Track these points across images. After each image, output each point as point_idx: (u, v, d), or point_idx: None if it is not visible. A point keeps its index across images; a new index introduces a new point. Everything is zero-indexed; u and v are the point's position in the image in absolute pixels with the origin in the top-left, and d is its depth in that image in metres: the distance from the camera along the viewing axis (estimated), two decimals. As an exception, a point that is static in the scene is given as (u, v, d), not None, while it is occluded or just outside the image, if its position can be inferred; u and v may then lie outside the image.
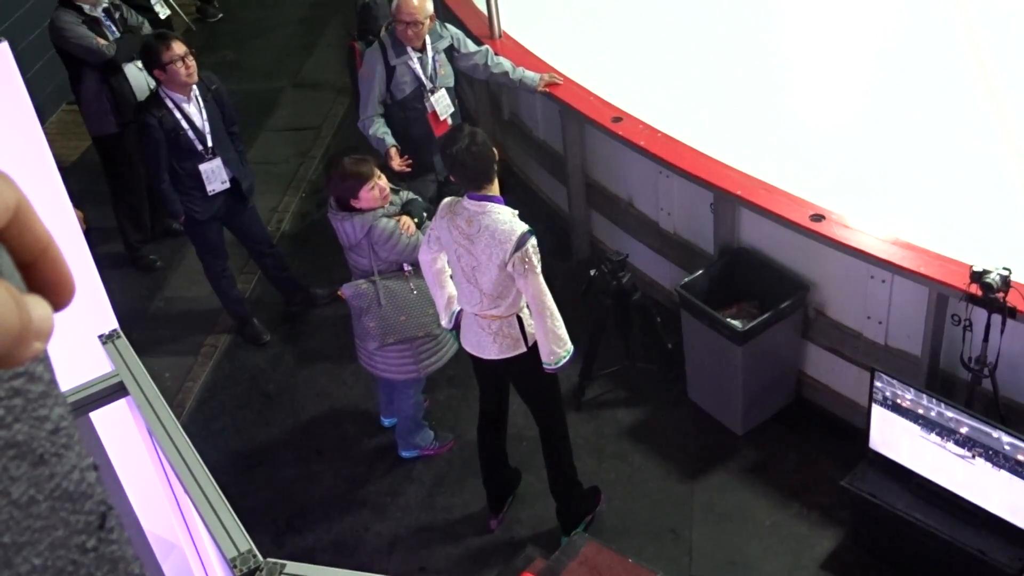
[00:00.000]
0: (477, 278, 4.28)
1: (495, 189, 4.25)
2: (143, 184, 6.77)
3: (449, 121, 5.70)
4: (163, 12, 7.17)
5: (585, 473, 4.99)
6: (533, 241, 4.17)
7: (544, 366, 4.39)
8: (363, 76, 5.63)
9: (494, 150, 4.27)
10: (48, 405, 0.55)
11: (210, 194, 5.64)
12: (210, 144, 5.56)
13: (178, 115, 5.45)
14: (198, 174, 5.58)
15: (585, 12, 7.14)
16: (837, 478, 4.67)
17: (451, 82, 5.75)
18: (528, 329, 4.42)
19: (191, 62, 5.40)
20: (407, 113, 5.63)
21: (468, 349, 4.59)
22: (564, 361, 4.39)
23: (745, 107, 6.09)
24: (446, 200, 4.37)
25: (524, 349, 4.44)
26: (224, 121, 5.69)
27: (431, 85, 5.61)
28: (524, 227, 4.17)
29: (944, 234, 4.70)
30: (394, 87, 5.56)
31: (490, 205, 4.20)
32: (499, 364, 4.53)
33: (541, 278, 4.23)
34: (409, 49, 5.52)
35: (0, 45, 3.16)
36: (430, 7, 5.47)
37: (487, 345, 4.47)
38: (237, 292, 6.30)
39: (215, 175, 5.61)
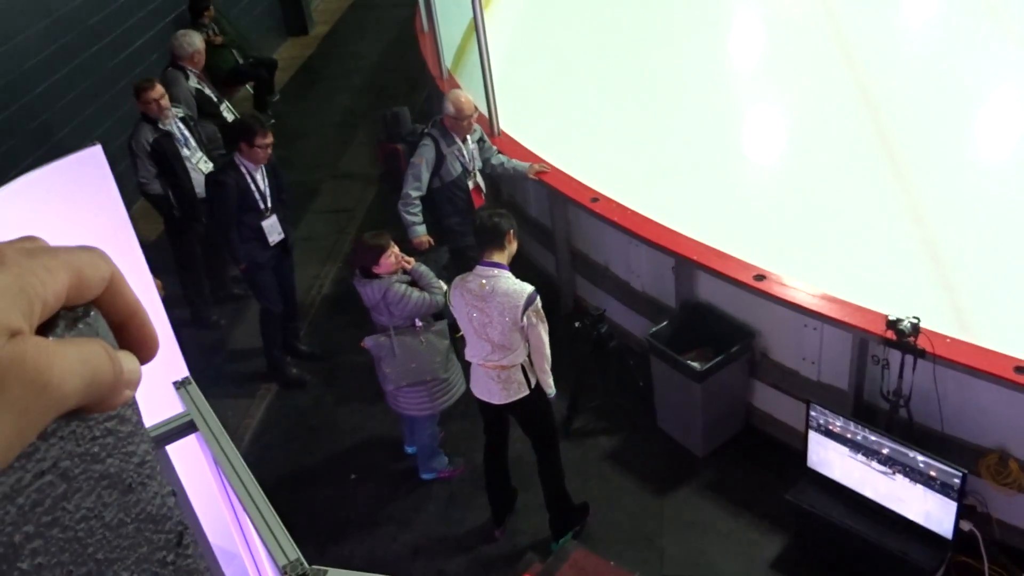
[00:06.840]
0: (487, 333, 4.28)
1: (504, 259, 4.26)
2: (202, 260, 6.74)
3: (484, 192, 5.91)
4: (230, 116, 7.20)
5: (574, 491, 4.93)
6: (538, 298, 4.23)
7: (548, 395, 4.48)
8: (415, 163, 5.63)
9: (511, 230, 4.27)
10: (136, 442, 0.54)
11: (270, 243, 5.74)
12: (269, 205, 5.69)
13: (248, 179, 5.59)
14: (259, 227, 5.70)
15: (566, 112, 7.23)
16: (782, 492, 4.63)
17: (480, 165, 5.87)
18: (530, 375, 4.43)
19: (270, 150, 5.61)
20: (455, 192, 5.72)
21: (477, 395, 4.57)
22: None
23: (699, 188, 6.15)
24: (458, 277, 4.42)
25: (528, 392, 4.45)
26: (277, 189, 5.82)
27: (471, 168, 5.74)
28: (531, 287, 4.22)
29: (864, 288, 4.71)
30: (443, 172, 5.66)
31: (499, 270, 4.22)
32: (503, 405, 4.52)
33: (546, 326, 4.29)
34: (457, 139, 5.61)
35: (94, 149, 3.18)
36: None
37: (495, 391, 4.45)
38: (279, 340, 6.24)
39: (272, 228, 5.76)
